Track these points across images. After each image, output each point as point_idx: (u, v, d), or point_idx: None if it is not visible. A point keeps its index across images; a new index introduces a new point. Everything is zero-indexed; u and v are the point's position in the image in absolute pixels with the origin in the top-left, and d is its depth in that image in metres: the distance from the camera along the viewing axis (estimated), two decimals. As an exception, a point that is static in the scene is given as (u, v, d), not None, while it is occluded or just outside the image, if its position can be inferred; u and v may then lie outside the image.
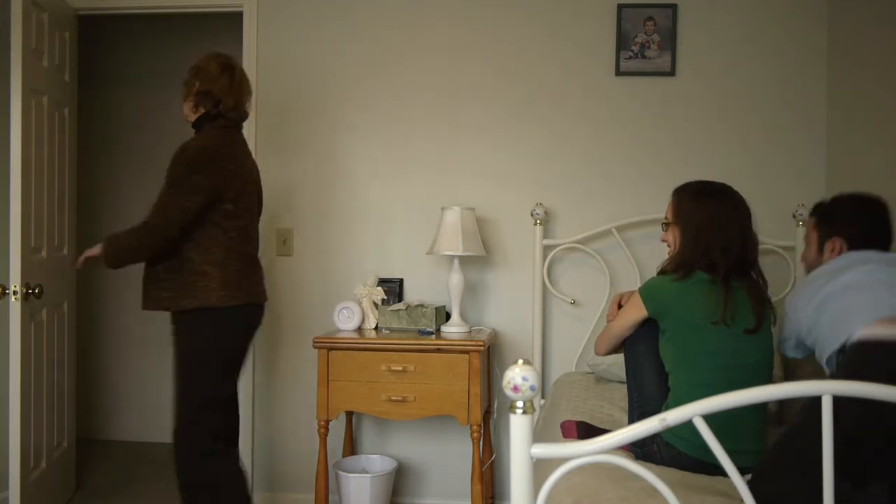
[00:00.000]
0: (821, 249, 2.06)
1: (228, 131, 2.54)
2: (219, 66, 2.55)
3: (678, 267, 2.06)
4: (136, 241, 2.44)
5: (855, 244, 1.98)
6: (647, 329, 2.13)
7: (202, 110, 2.54)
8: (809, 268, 2.11)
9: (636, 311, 2.11)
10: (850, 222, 2.02)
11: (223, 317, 2.47)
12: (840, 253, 2.00)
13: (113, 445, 4.37)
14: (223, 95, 2.52)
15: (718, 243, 2.01)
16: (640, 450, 1.96)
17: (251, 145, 3.31)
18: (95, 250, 2.53)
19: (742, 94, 3.18)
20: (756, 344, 1.99)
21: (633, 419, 2.12)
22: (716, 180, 2.25)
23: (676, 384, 2.01)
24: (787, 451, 1.56)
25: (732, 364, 1.95)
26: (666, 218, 2.17)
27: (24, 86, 2.82)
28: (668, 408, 2.00)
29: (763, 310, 2.01)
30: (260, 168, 3.19)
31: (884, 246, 2.00)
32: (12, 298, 2.75)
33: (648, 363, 2.12)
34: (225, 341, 2.51)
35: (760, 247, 2.95)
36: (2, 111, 3.07)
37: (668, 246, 2.17)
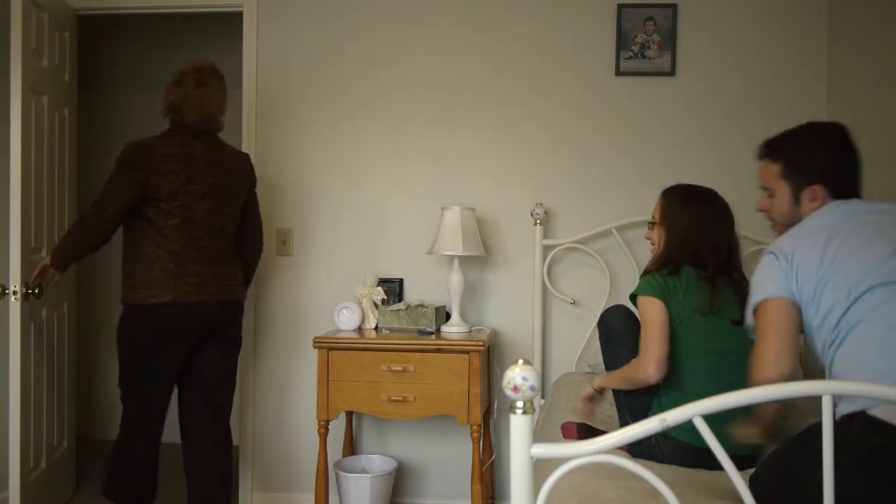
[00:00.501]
0: (797, 199, 1.77)
1: (180, 135, 2.64)
2: (195, 82, 2.65)
3: (664, 265, 2.13)
4: (72, 235, 2.62)
5: (839, 190, 1.72)
6: (626, 329, 2.16)
7: (169, 116, 2.70)
8: (786, 221, 1.80)
9: (651, 304, 2.05)
10: (827, 164, 1.74)
11: (145, 315, 2.57)
12: (824, 202, 1.72)
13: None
14: (189, 112, 2.64)
15: (708, 244, 2.10)
16: (639, 447, 1.97)
17: (251, 146, 3.33)
18: (47, 259, 2.67)
19: (742, 93, 3.18)
20: (743, 334, 2.03)
21: (625, 420, 2.13)
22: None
23: (671, 373, 2.03)
24: (787, 466, 1.53)
25: (723, 350, 2.01)
26: (653, 218, 2.22)
27: (24, 86, 2.82)
28: (661, 398, 2.05)
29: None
30: (259, 168, 3.20)
31: (858, 178, 1.77)
32: (12, 298, 2.75)
33: (629, 361, 2.13)
34: (143, 340, 2.60)
35: (759, 246, 2.99)
36: (2, 111, 3.07)
37: (652, 244, 2.25)
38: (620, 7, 3.19)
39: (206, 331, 2.68)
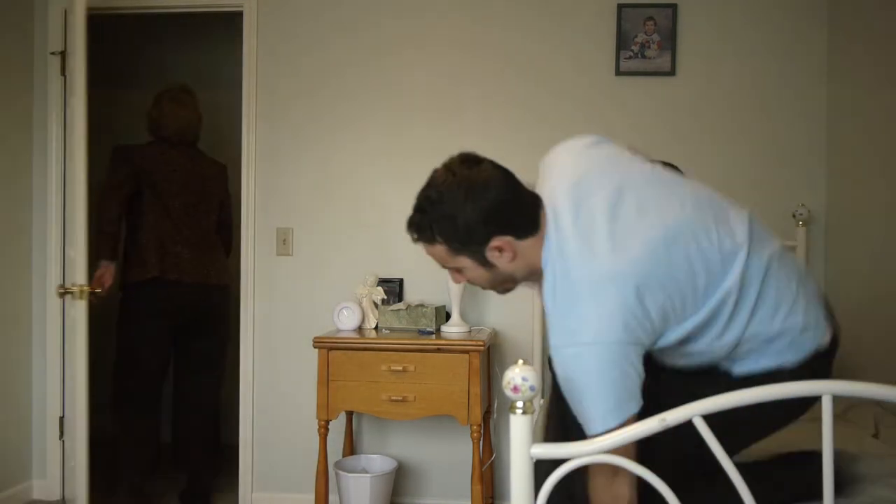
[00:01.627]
0: (485, 263, 1.52)
1: (158, 145, 3.18)
2: (170, 101, 3.19)
3: None
4: (93, 230, 3.00)
5: (516, 226, 1.49)
6: None
7: (150, 130, 3.22)
8: (501, 280, 1.57)
9: None
10: (486, 212, 1.47)
11: (136, 290, 3.09)
12: (513, 246, 1.49)
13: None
14: (165, 126, 3.17)
15: None
16: None
17: (250, 145, 3.35)
18: (100, 267, 3.05)
19: (742, 94, 3.18)
20: None
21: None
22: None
23: None
24: None
25: None
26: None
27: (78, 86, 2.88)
28: None
29: None
30: (259, 168, 3.26)
31: (523, 192, 1.55)
32: (77, 297, 2.80)
33: None
34: (134, 311, 3.13)
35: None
36: (22, 117, 3.14)
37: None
38: (620, 7, 3.19)
39: (188, 310, 3.14)
